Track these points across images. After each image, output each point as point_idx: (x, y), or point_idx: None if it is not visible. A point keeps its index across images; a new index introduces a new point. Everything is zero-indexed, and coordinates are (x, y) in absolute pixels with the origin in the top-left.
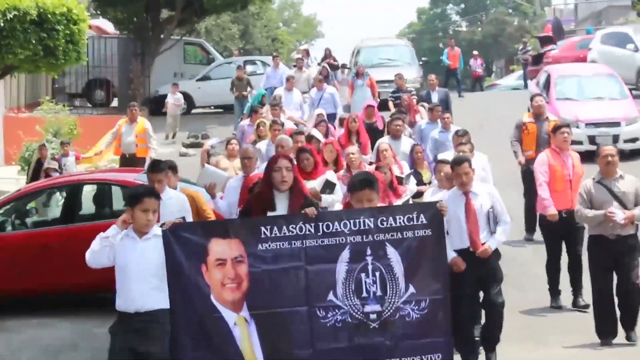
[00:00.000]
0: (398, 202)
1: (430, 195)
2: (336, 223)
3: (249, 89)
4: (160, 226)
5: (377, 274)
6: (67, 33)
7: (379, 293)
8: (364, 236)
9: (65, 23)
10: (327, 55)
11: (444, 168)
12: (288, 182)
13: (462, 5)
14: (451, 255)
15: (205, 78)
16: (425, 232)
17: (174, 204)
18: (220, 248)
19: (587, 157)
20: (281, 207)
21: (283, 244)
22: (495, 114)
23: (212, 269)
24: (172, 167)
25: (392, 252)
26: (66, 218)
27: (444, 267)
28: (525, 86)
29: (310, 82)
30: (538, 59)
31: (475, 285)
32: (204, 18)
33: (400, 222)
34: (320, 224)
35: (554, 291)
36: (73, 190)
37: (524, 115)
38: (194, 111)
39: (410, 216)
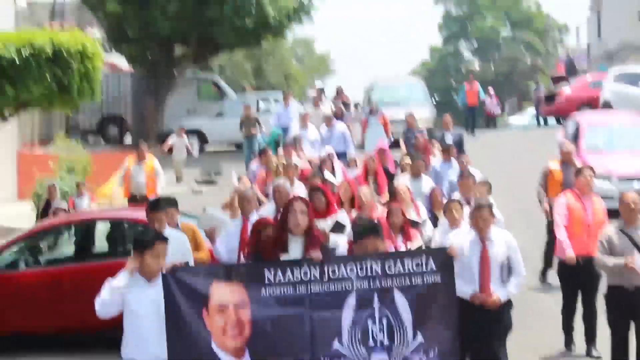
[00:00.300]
0: (409, 245)
1: (440, 234)
2: (342, 268)
3: (257, 126)
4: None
5: (385, 321)
6: (82, 70)
7: (386, 342)
8: (371, 282)
9: (80, 60)
10: (339, 92)
11: (455, 206)
12: (302, 225)
13: (475, 44)
14: (468, 291)
15: (219, 115)
16: (434, 278)
17: (174, 245)
18: (222, 293)
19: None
20: (295, 250)
21: (287, 290)
22: (509, 153)
23: (213, 314)
24: (173, 203)
25: (400, 299)
26: (79, 256)
27: (454, 315)
28: (538, 124)
29: None
30: (551, 98)
31: (484, 336)
32: (217, 55)
33: (408, 268)
34: (326, 268)
35: (569, 335)
36: (86, 228)
37: (550, 162)
38: (207, 149)
39: (419, 262)
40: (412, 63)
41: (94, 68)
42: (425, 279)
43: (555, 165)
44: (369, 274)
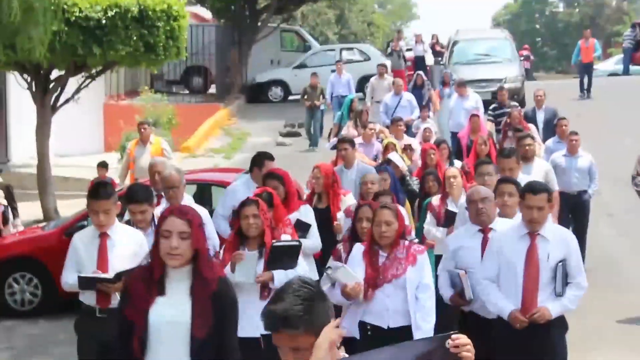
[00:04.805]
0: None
1: (455, 239)
2: None
3: (321, 98)
4: None
5: None
6: (167, 29)
7: None
8: None
9: (166, 20)
10: (435, 41)
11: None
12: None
13: None
14: (506, 309)
15: (302, 66)
16: None
17: (128, 243)
18: None
19: None
20: (178, 290)
21: None
22: (593, 104)
23: None
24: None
25: None
26: None
27: None
28: (625, 72)
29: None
30: (638, 46)
31: None
32: (300, 5)
33: None
34: None
35: None
36: None
37: None
38: (290, 98)
39: None
40: (496, 6)
41: (179, 27)
42: None
43: None
44: None
